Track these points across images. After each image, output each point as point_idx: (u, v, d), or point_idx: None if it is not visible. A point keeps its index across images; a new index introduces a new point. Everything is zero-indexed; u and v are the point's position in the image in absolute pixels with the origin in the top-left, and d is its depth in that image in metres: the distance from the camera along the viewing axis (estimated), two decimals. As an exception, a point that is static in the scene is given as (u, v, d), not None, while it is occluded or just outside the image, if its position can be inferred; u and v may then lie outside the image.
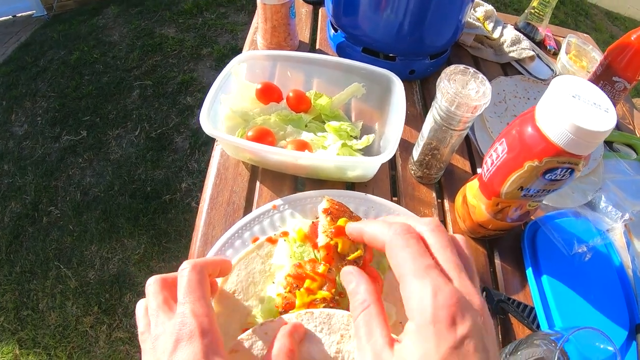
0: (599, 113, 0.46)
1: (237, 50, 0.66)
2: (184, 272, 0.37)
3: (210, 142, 2.08)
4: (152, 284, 0.38)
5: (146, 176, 1.95)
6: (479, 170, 0.77)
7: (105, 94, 2.24)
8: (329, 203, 0.47)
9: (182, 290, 0.36)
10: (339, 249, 0.43)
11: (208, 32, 2.58)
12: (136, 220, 1.80)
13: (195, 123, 2.12)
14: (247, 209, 0.66)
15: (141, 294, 1.51)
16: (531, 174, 0.51)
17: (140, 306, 0.39)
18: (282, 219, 0.59)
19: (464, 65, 0.59)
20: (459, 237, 0.34)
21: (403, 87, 0.68)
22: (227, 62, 0.68)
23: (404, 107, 0.65)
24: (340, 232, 0.43)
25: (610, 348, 0.52)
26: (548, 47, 1.12)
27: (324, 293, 0.41)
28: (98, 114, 2.15)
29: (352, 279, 0.35)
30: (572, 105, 0.46)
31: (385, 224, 0.34)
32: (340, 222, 0.44)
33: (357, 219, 0.48)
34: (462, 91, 0.57)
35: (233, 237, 0.57)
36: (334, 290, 0.42)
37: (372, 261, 0.47)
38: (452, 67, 0.59)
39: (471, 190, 0.65)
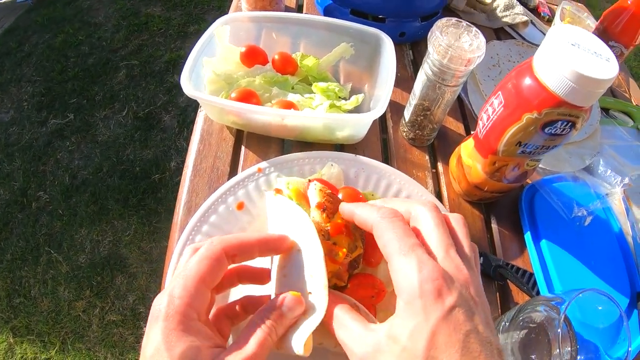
0: (600, 62, 0.44)
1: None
2: (200, 255, 0.34)
3: (199, 120, 2.04)
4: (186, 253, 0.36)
5: (135, 156, 1.91)
6: (473, 132, 0.75)
7: (92, 75, 2.19)
8: (321, 195, 0.42)
9: (182, 269, 0.33)
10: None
11: (195, 9, 2.52)
12: (126, 202, 1.78)
13: (184, 101, 2.10)
14: (232, 174, 0.63)
15: (133, 275, 1.49)
16: (530, 128, 0.49)
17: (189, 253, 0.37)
18: (268, 182, 0.56)
19: (456, 19, 0.56)
20: (454, 216, 0.35)
21: (393, 46, 0.65)
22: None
23: (394, 64, 0.62)
24: (337, 229, 0.40)
25: (615, 311, 0.50)
26: (542, 14, 1.09)
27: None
28: (85, 96, 2.11)
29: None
30: (572, 53, 0.44)
31: (374, 208, 0.35)
32: (338, 219, 0.41)
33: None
34: (454, 43, 0.54)
35: (216, 202, 0.54)
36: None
37: (379, 263, 0.45)
38: (444, 19, 0.56)
39: (466, 150, 0.62)
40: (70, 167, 1.87)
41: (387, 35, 0.65)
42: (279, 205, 0.43)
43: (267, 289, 0.39)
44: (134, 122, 2.02)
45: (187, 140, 1.98)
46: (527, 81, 0.48)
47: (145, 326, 1.27)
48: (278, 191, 0.48)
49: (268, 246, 0.37)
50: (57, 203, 1.76)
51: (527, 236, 0.65)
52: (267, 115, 0.57)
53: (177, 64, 2.24)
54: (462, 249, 0.32)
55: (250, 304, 0.40)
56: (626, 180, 0.67)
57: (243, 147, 0.66)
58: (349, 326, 0.32)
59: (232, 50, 0.69)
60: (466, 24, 0.56)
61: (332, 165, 0.57)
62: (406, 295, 0.29)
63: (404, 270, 0.29)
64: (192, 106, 2.08)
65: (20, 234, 1.68)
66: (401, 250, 0.30)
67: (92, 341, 1.47)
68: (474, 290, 0.30)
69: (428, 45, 0.56)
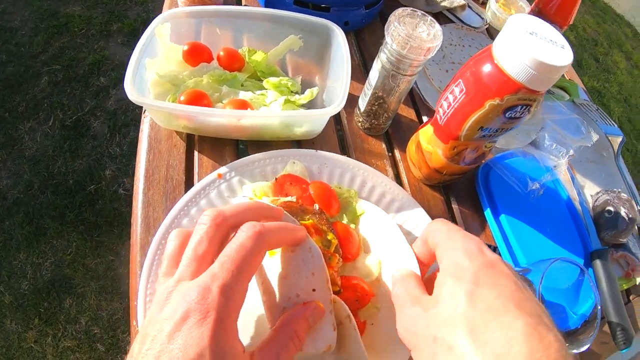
0: (556, 49, 0.47)
1: (150, 23, 0.59)
2: (248, 232, 0.31)
3: (130, 123, 1.95)
4: (213, 216, 0.32)
5: (66, 168, 1.78)
6: (424, 118, 0.76)
7: (12, 85, 2.00)
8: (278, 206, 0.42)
9: (232, 254, 0.30)
10: None
11: (117, 6, 2.34)
12: (63, 218, 1.65)
13: (112, 104, 1.97)
14: (188, 182, 0.59)
15: (81, 296, 1.40)
16: (492, 113, 0.51)
17: (177, 236, 0.33)
18: (230, 188, 0.53)
19: (411, 9, 0.57)
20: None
21: (344, 36, 0.64)
22: (139, 37, 0.60)
23: (349, 56, 0.61)
24: (307, 231, 0.39)
25: (575, 271, 0.54)
26: (477, -3, 1.12)
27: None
28: (6, 108, 1.92)
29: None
30: (530, 41, 0.46)
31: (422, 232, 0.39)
32: (306, 222, 0.40)
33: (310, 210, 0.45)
34: (413, 33, 0.54)
35: (179, 216, 0.51)
36: None
37: (356, 257, 0.47)
38: (400, 10, 0.56)
39: (425, 136, 0.63)
40: (-2, 187, 1.71)
41: (337, 26, 0.64)
42: None
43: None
44: (61, 132, 1.87)
45: (120, 145, 1.92)
46: (488, 69, 0.49)
47: (102, 347, 1.19)
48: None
49: (292, 235, 0.35)
50: (-12, 229, 1.61)
51: (487, 213, 0.67)
52: (223, 118, 0.54)
53: (102, 65, 2.10)
54: None
55: None
56: (570, 152, 0.71)
57: (196, 153, 0.62)
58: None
59: (174, 49, 0.65)
60: (421, 13, 0.56)
61: (294, 162, 0.56)
62: (451, 253, 0.32)
63: (451, 241, 0.33)
64: (122, 109, 1.96)
65: (-49, 269, 1.52)
66: (447, 233, 0.34)
67: (49, 372, 1.36)
68: None
69: (386, 36, 0.55)
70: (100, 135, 1.89)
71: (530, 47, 0.45)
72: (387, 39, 0.55)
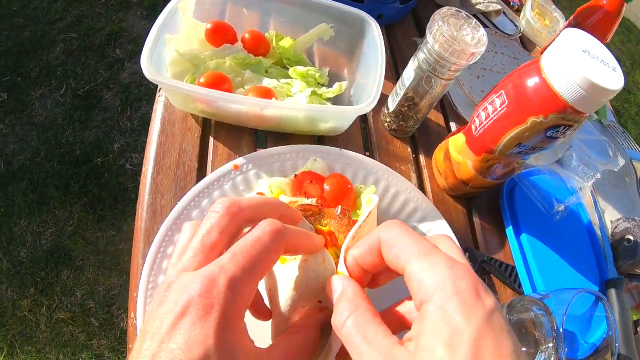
0: (607, 71, 0.44)
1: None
2: (268, 227, 0.28)
3: (143, 98, 1.91)
4: (228, 206, 0.29)
5: (75, 139, 1.75)
6: (452, 125, 0.73)
7: (27, 50, 1.97)
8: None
9: (247, 248, 0.27)
10: None
11: (139, -22, 2.32)
12: (67, 189, 1.63)
13: (126, 78, 1.94)
14: (201, 170, 0.56)
15: (79, 269, 1.39)
16: (533, 130, 0.48)
17: (191, 228, 0.30)
18: (247, 181, 0.50)
19: (456, 9, 0.53)
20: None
21: (380, 30, 0.60)
22: (160, 11, 0.56)
23: (384, 52, 0.57)
24: None
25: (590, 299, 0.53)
26: (512, 3, 1.09)
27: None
28: (19, 74, 1.90)
29: (336, 286, 0.29)
30: (583, 59, 0.43)
31: (371, 233, 0.30)
32: (324, 228, 0.39)
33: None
34: (457, 36, 0.50)
35: (189, 207, 0.47)
36: None
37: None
38: (445, 9, 0.53)
39: (455, 146, 0.59)
40: (5, 152, 1.69)
41: (372, 19, 0.60)
42: None
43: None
44: (73, 101, 1.85)
45: (131, 120, 1.88)
46: (535, 84, 0.46)
47: (96, 322, 1.17)
48: (260, 195, 0.44)
49: (311, 242, 0.32)
50: (-9, 193, 1.59)
51: (509, 230, 0.65)
52: (245, 105, 0.50)
53: (119, 37, 2.06)
54: None
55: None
56: (598, 175, 0.68)
57: (212, 139, 0.58)
58: (372, 339, 0.25)
59: (196, 27, 0.61)
60: (466, 14, 0.53)
61: (315, 160, 0.52)
62: (438, 297, 0.23)
63: (431, 270, 0.24)
64: (136, 83, 1.93)
65: (-47, 229, 1.50)
66: (422, 253, 0.25)
67: (41, 342, 1.35)
68: None
69: (427, 35, 0.52)
70: (111, 107, 1.86)
71: (583, 66, 0.42)
72: (429, 38, 0.51)
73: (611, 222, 0.74)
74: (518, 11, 1.07)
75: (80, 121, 1.80)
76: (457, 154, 0.58)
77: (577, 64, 0.42)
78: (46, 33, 2.05)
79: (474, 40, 0.51)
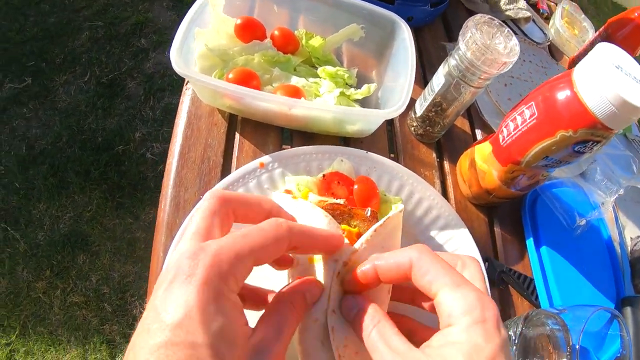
0: (639, 88, 0.43)
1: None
2: (274, 222, 0.29)
3: (166, 88, 1.92)
4: (216, 194, 0.30)
5: (97, 126, 1.77)
6: (478, 132, 0.72)
7: (52, 36, 2.00)
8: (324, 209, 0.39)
9: (247, 232, 0.28)
10: None
11: (167, -32, 2.33)
12: (87, 175, 1.65)
13: (150, 67, 1.95)
14: (226, 166, 0.56)
15: (95, 254, 1.40)
16: (561, 144, 0.47)
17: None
18: (272, 179, 0.50)
19: (489, 16, 0.53)
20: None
21: (411, 33, 0.59)
22: (187, 3, 0.56)
23: (414, 55, 0.56)
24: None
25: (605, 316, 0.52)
26: (541, 11, 1.07)
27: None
28: (44, 59, 1.93)
29: (353, 304, 0.32)
30: (616, 75, 0.43)
31: (402, 251, 0.32)
32: (352, 229, 0.38)
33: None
34: (490, 44, 0.50)
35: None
36: None
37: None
38: (478, 16, 0.52)
39: (481, 154, 0.58)
40: (27, 136, 1.71)
41: (403, 21, 0.59)
42: (293, 209, 0.37)
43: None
44: (96, 89, 1.87)
45: (153, 109, 1.90)
46: (566, 97, 0.46)
47: (109, 307, 1.19)
48: (288, 192, 0.43)
49: (325, 243, 0.33)
50: (13, 175, 1.61)
51: (529, 242, 0.64)
52: (273, 103, 0.50)
53: (144, 27, 2.08)
54: None
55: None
56: (621, 191, 0.67)
57: (237, 135, 0.59)
58: (393, 346, 0.28)
59: (226, 22, 0.61)
60: (499, 22, 0.52)
61: (342, 161, 0.52)
62: (466, 319, 0.27)
63: (463, 298, 0.28)
64: (160, 73, 1.94)
65: (-27, 211, 1.54)
66: (455, 283, 0.28)
67: (53, 324, 1.37)
68: None
69: (459, 41, 0.51)
70: (134, 96, 1.88)
71: (615, 82, 0.42)
72: (461, 45, 0.51)
73: (631, 238, 0.73)
74: (547, 19, 1.05)
75: (103, 108, 1.82)
76: (483, 162, 0.58)
77: (609, 79, 0.42)
78: (72, 20, 2.07)
79: (506, 49, 0.50)
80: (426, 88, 0.60)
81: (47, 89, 1.85)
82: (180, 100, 0.62)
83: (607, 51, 0.45)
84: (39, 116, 1.77)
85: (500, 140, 0.54)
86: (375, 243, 0.34)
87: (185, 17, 0.54)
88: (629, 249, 0.71)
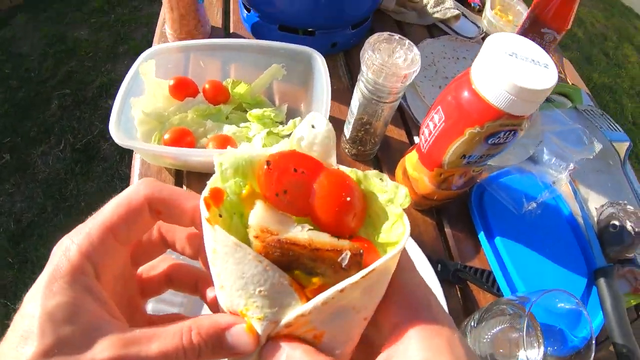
0: (538, 69, 0.44)
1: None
2: (116, 200, 0.26)
3: (140, 143, 1.95)
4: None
5: (78, 191, 1.82)
6: (416, 139, 0.74)
7: (23, 110, 2.06)
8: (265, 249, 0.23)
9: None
10: None
11: (122, 28, 2.39)
12: (75, 240, 1.68)
13: (123, 127, 1.99)
14: (177, 219, 0.59)
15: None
16: (473, 141, 0.49)
17: None
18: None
19: (388, 33, 0.55)
20: None
21: (325, 62, 0.63)
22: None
23: (328, 83, 0.60)
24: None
25: (573, 306, 0.51)
26: (472, 5, 1.09)
27: None
28: (18, 134, 1.98)
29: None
30: (509, 64, 0.44)
31: None
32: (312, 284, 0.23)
33: None
34: (388, 60, 0.52)
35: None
36: None
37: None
38: (375, 35, 0.55)
39: (410, 163, 0.61)
40: (13, 211, 1.75)
41: (317, 52, 0.64)
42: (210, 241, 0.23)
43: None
44: (72, 155, 1.92)
45: (129, 167, 1.91)
46: (467, 95, 0.47)
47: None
48: (217, 198, 0.25)
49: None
50: (4, 251, 1.65)
51: (481, 236, 0.65)
52: (201, 157, 0.54)
53: (110, 88, 2.14)
54: None
55: (177, 274, 0.31)
56: (571, 166, 0.68)
57: (184, 187, 0.63)
58: None
59: (160, 85, 0.65)
60: (398, 37, 0.54)
61: (312, 127, 0.26)
62: (414, 310, 0.23)
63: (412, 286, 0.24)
64: (132, 129, 1.99)
65: (-32, 291, 1.56)
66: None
67: None
68: None
69: (361, 64, 0.54)
70: (110, 157, 1.93)
71: (509, 71, 0.43)
72: (362, 67, 0.54)
73: (596, 209, 0.72)
74: (480, 11, 1.07)
75: (82, 173, 1.87)
76: (413, 170, 0.60)
77: (502, 70, 0.43)
78: (39, 92, 2.13)
79: (407, 61, 0.52)
80: (348, 112, 0.64)
81: (25, 162, 1.89)
82: (132, 164, 0.66)
83: (499, 41, 0.46)
84: (21, 190, 1.81)
85: (422, 148, 0.56)
86: (338, 306, 0.22)
87: (119, 91, 0.58)
88: (595, 219, 0.71)
